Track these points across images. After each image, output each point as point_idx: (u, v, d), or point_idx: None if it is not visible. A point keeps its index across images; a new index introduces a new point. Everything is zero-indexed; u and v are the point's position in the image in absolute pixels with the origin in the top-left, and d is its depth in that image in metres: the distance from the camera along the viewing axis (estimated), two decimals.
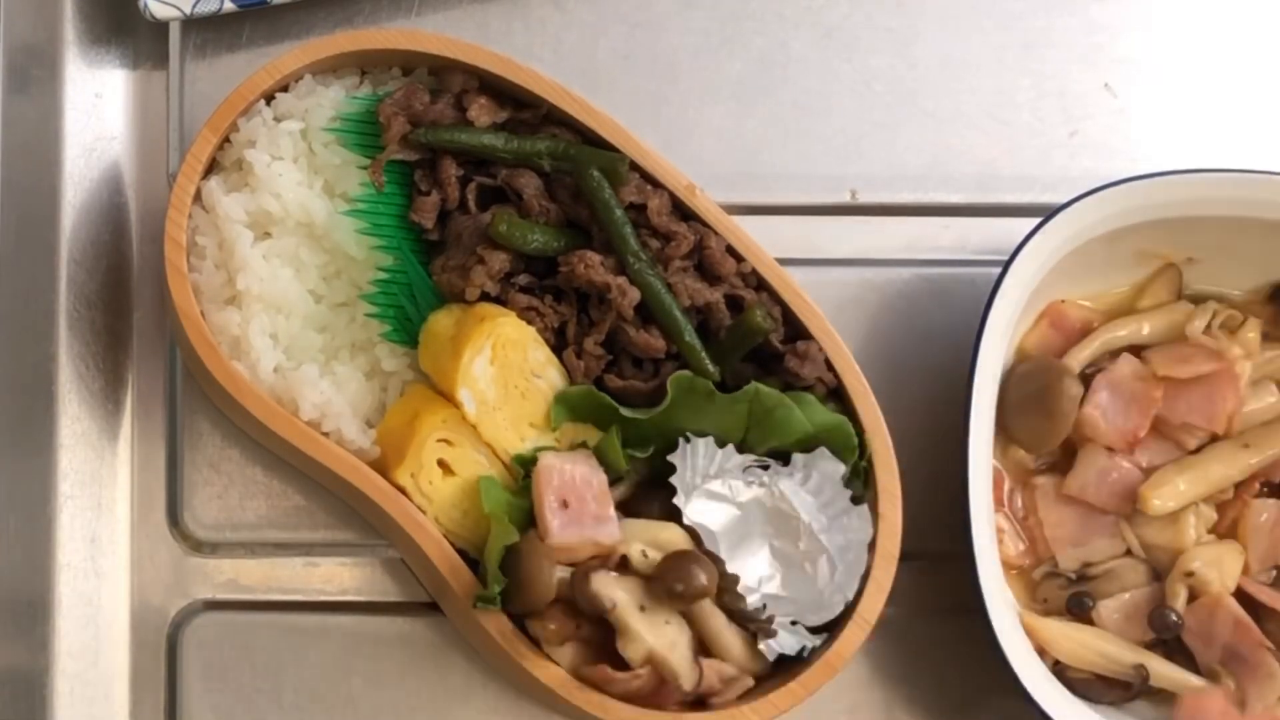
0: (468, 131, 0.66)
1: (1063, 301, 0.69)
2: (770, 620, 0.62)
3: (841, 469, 0.64)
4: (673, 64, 0.74)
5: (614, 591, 0.60)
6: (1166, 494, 0.66)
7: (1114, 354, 0.68)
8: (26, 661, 0.67)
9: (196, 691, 0.69)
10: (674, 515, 0.63)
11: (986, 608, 0.63)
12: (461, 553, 0.63)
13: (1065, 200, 0.65)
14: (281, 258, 0.66)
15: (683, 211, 0.67)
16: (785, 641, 0.62)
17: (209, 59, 0.73)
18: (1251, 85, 0.74)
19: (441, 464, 0.63)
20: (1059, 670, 0.66)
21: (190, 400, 0.71)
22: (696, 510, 0.63)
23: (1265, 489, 0.68)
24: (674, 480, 0.63)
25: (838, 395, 0.66)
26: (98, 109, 0.73)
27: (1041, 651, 0.66)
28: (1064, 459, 0.69)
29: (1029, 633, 0.66)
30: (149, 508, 0.71)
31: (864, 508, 0.64)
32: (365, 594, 0.71)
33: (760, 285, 0.66)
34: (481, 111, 0.66)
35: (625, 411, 0.64)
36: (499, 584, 0.60)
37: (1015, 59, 0.74)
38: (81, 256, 0.71)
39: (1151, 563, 0.68)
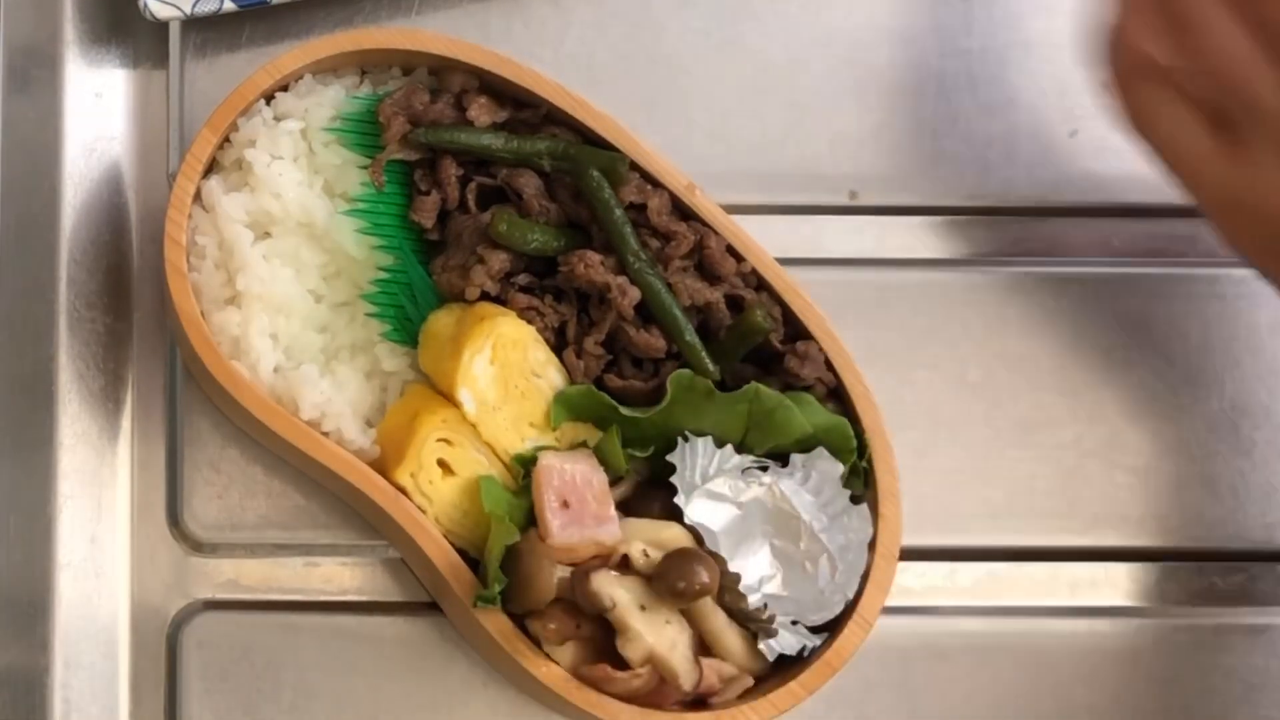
0: (468, 131, 0.66)
1: None
2: (771, 620, 0.62)
3: (840, 469, 0.64)
4: (673, 64, 0.74)
5: (614, 591, 0.60)
6: None
7: None
8: (26, 661, 0.67)
9: (196, 691, 0.69)
10: (675, 515, 0.63)
11: None
12: (461, 553, 0.63)
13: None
14: (281, 258, 0.66)
15: (683, 211, 0.67)
16: (785, 641, 0.62)
17: (209, 59, 0.73)
18: None
19: (441, 464, 0.63)
20: None
21: (190, 400, 0.71)
22: (697, 510, 0.63)
23: None
24: (674, 480, 0.63)
25: (837, 395, 0.66)
26: (98, 109, 0.73)
27: None
28: None
29: None
30: (149, 508, 0.71)
31: (864, 507, 0.64)
32: (365, 594, 0.71)
33: (760, 285, 0.66)
34: (481, 111, 0.66)
35: (625, 411, 0.64)
36: (499, 584, 0.60)
37: (1015, 59, 0.74)
38: (81, 256, 0.71)
39: None
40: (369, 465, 0.64)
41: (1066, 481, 0.71)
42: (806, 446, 0.64)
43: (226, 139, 0.67)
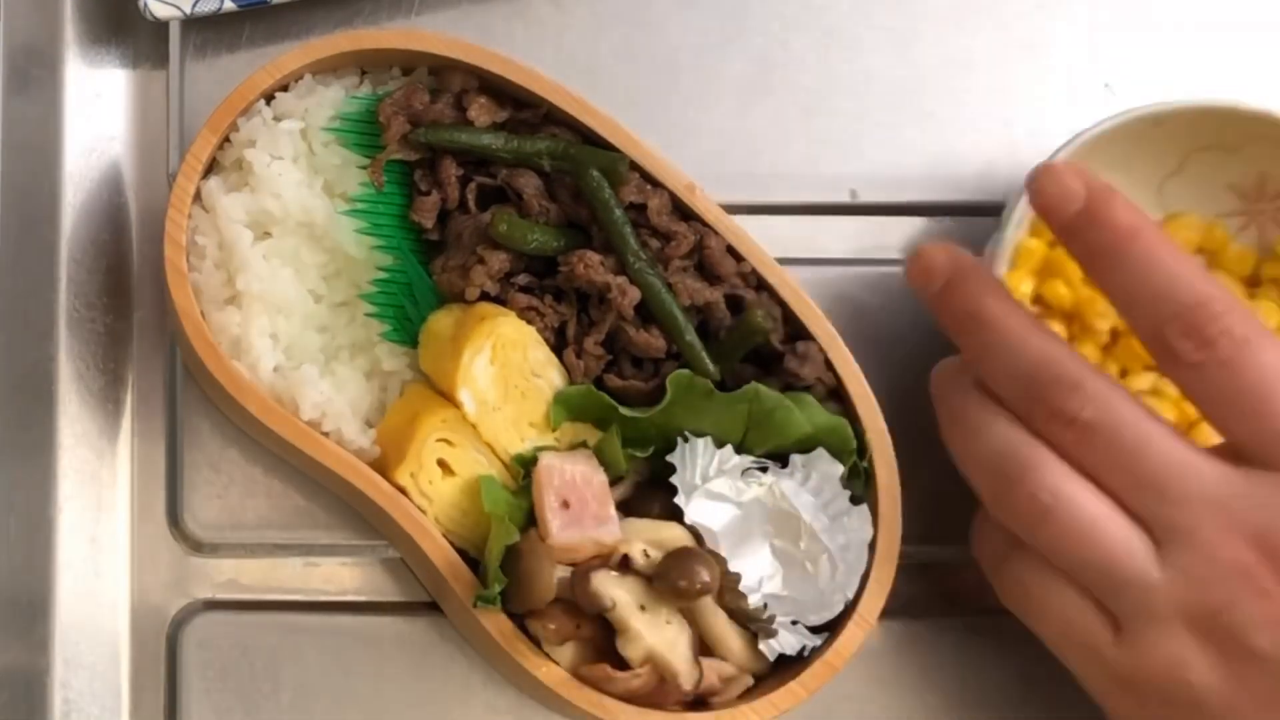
0: (468, 131, 0.66)
1: None
2: (771, 620, 0.62)
3: (840, 469, 0.64)
4: (673, 64, 0.74)
5: (614, 591, 0.60)
6: None
7: None
8: (26, 661, 0.67)
9: (196, 691, 0.69)
10: (675, 515, 0.63)
11: None
12: (461, 553, 0.63)
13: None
14: (281, 258, 0.66)
15: (683, 211, 0.67)
16: (786, 641, 0.62)
17: (209, 59, 0.73)
18: (1251, 86, 0.74)
19: (441, 464, 0.63)
20: None
21: (190, 400, 0.71)
22: (697, 510, 0.63)
23: None
24: (674, 480, 0.63)
25: (837, 395, 0.66)
26: (98, 109, 0.73)
27: None
28: None
29: None
30: (149, 508, 0.71)
31: (864, 507, 0.64)
32: (365, 594, 0.71)
33: (760, 285, 0.66)
34: (481, 111, 0.66)
35: (625, 411, 0.64)
36: (499, 584, 0.60)
37: (1015, 59, 0.74)
38: (81, 256, 0.71)
39: None
40: (369, 465, 0.64)
41: None
42: (806, 447, 0.64)
43: (226, 139, 0.67)
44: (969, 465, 0.61)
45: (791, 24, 0.74)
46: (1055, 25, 0.75)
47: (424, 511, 0.63)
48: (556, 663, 0.62)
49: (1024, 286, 0.68)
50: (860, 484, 0.65)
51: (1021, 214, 0.66)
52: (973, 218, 0.74)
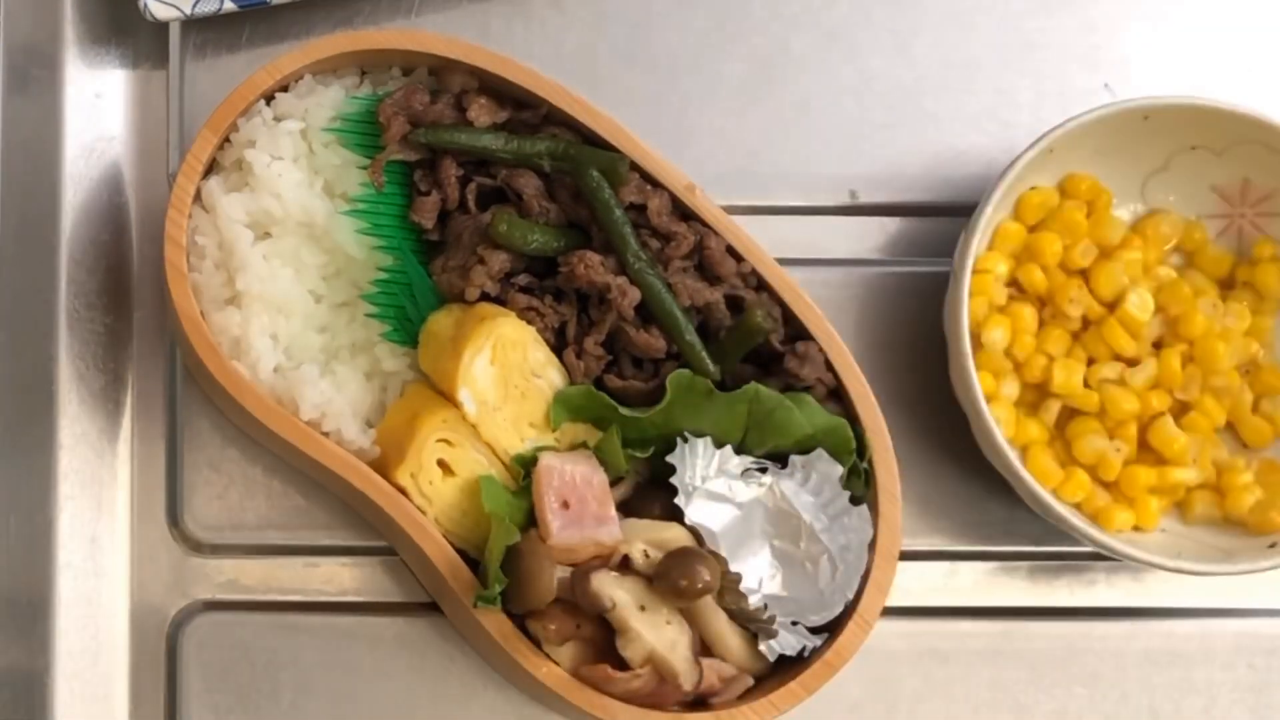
0: (468, 131, 0.66)
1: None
2: (772, 620, 0.62)
3: (840, 470, 0.64)
4: (673, 64, 0.74)
5: (614, 591, 0.60)
6: None
7: None
8: (26, 661, 0.67)
9: (196, 691, 0.69)
10: (675, 515, 0.63)
11: None
12: (461, 553, 0.63)
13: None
14: (281, 258, 0.66)
15: (683, 211, 0.67)
16: (786, 641, 0.62)
17: (209, 59, 0.73)
18: (1250, 86, 0.74)
19: (441, 464, 0.63)
20: None
21: (190, 400, 0.71)
22: (697, 510, 0.63)
23: None
24: (674, 481, 0.63)
25: (837, 396, 0.66)
26: (98, 109, 0.73)
27: None
28: None
29: None
30: (149, 508, 0.71)
31: (864, 508, 0.64)
32: (365, 594, 0.71)
33: (760, 285, 0.66)
34: (481, 111, 0.66)
35: (625, 411, 0.64)
36: (499, 584, 0.60)
37: (1015, 59, 0.74)
38: (81, 256, 0.71)
39: None
40: (369, 465, 0.64)
41: None
42: (806, 447, 0.64)
43: (226, 139, 0.67)
44: None
45: (791, 24, 0.74)
46: (1055, 25, 0.75)
47: (424, 512, 0.63)
48: (556, 663, 0.62)
49: (999, 268, 0.68)
50: (860, 484, 0.65)
51: (1002, 194, 0.66)
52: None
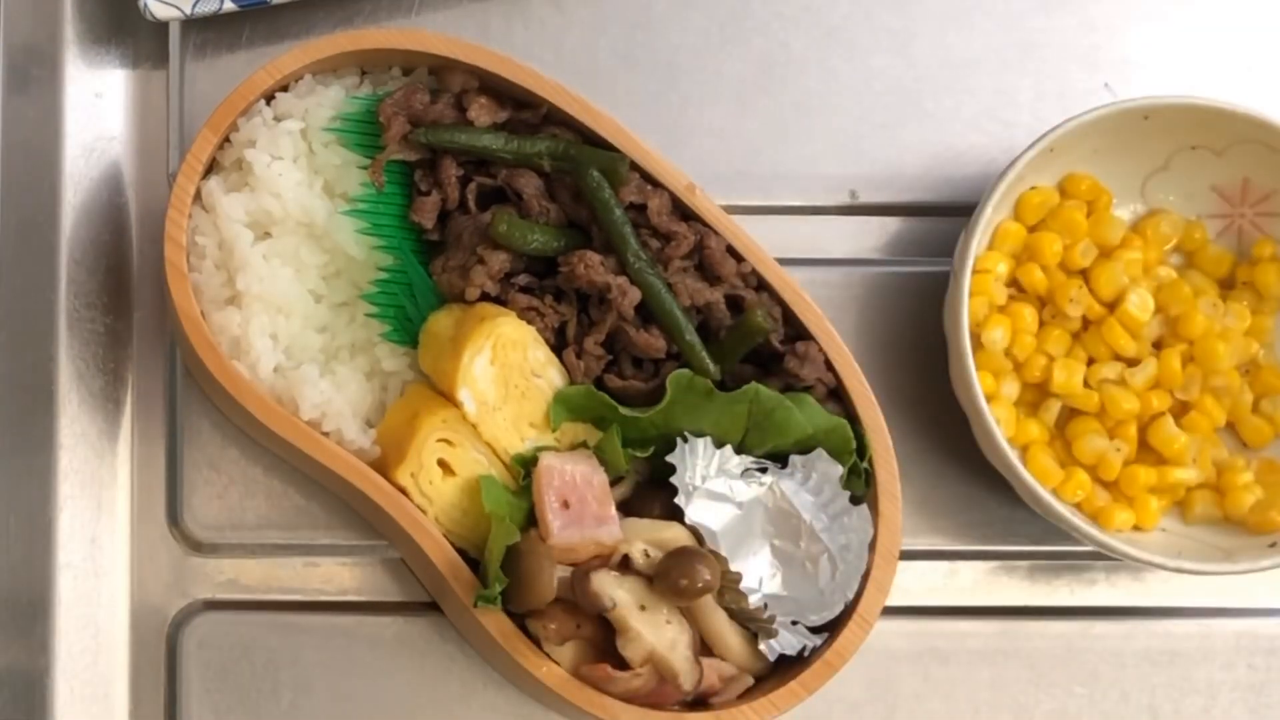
0: (468, 131, 0.66)
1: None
2: (772, 620, 0.62)
3: (840, 469, 0.64)
4: (673, 64, 0.74)
5: (614, 591, 0.60)
6: None
7: None
8: (26, 661, 0.67)
9: (196, 691, 0.69)
10: (675, 515, 0.63)
11: None
12: (461, 553, 0.63)
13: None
14: (281, 258, 0.66)
15: (683, 211, 0.67)
16: (786, 641, 0.62)
17: (209, 59, 0.73)
18: (1250, 86, 0.74)
19: (442, 464, 0.63)
20: None
21: (190, 400, 0.71)
22: (697, 510, 0.63)
23: None
24: (674, 480, 0.63)
25: (837, 396, 0.66)
26: (98, 109, 0.73)
27: None
28: None
29: None
30: (149, 508, 0.71)
31: (864, 507, 0.64)
32: (365, 594, 0.71)
33: (760, 285, 0.66)
34: (481, 111, 0.66)
35: (625, 411, 0.64)
36: (499, 584, 0.60)
37: (1015, 59, 0.74)
38: (81, 256, 0.71)
39: None
40: (369, 465, 0.64)
41: None
42: (806, 447, 0.64)
43: (226, 139, 0.67)
44: None
45: (791, 24, 0.74)
46: (1055, 25, 0.75)
47: (424, 511, 0.63)
48: (557, 663, 0.62)
49: (999, 268, 0.68)
50: (860, 484, 0.65)
51: (1002, 194, 0.66)
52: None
